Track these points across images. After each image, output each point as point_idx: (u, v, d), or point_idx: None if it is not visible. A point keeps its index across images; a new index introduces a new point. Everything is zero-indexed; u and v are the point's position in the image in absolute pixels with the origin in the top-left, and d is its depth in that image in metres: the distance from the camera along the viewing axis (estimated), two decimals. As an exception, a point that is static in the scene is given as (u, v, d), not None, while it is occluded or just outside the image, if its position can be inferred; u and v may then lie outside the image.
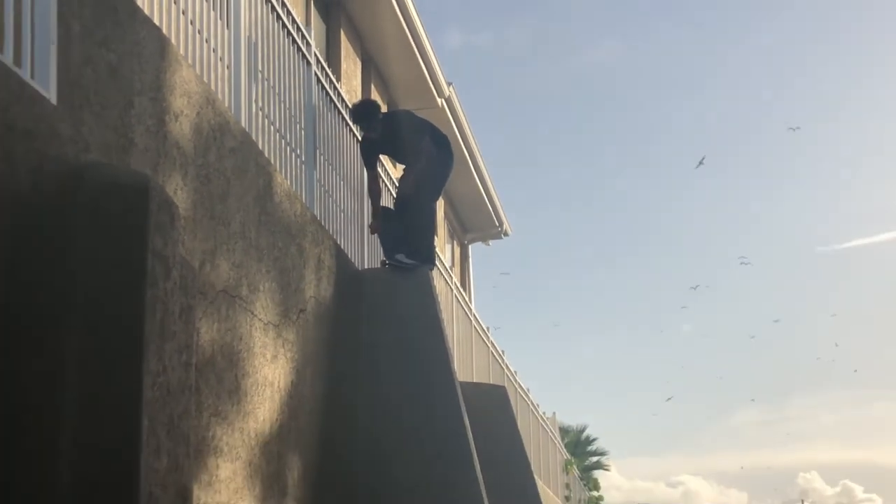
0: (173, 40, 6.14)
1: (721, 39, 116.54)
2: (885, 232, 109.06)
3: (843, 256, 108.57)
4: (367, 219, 10.50)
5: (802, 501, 72.41)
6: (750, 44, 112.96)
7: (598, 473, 41.89)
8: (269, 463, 7.09)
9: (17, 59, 4.49)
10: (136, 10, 5.59)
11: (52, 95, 4.66)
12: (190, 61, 6.39)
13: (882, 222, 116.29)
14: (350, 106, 10.34)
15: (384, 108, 13.15)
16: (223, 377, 6.44)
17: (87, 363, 4.51)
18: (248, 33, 7.57)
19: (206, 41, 6.86)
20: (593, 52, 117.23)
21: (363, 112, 10.32)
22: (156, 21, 5.92)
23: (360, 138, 10.44)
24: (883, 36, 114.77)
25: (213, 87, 6.70)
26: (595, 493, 34.51)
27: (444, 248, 20.68)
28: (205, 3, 6.87)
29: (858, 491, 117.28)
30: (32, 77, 4.56)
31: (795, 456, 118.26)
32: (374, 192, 10.30)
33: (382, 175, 10.68)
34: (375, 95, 17.05)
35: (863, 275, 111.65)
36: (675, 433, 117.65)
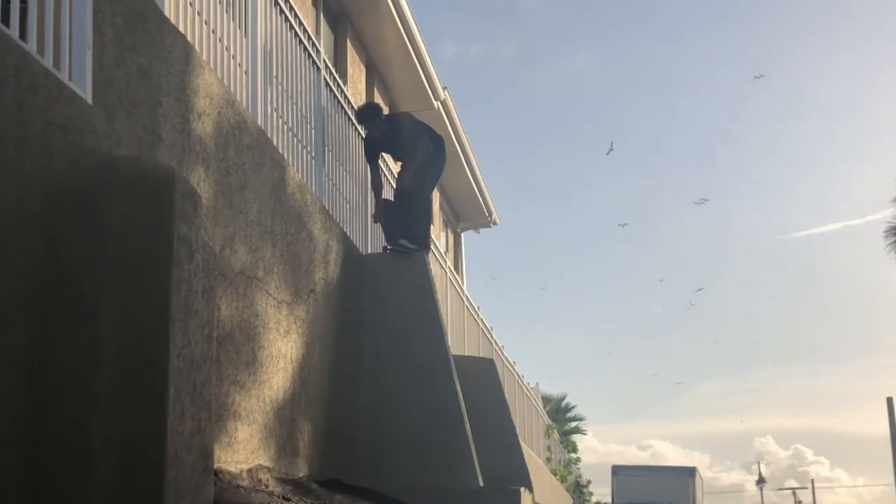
0: (196, 47, 6.20)
1: (687, 50, 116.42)
2: (830, 222, 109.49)
3: (799, 244, 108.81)
4: (370, 209, 10.56)
5: (758, 463, 72.41)
6: (712, 53, 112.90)
7: (576, 437, 42.01)
8: (282, 426, 7.17)
9: (57, 63, 4.57)
10: (164, 19, 5.66)
11: (87, 95, 4.74)
12: (211, 66, 6.47)
13: (829, 214, 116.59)
14: (356, 108, 10.39)
15: (386, 110, 13.16)
16: (241, 350, 6.52)
17: (120, 336, 4.58)
18: (263, 42, 7.62)
19: (226, 48, 6.93)
20: (571, 62, 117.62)
21: (368, 113, 10.43)
22: (181, 29, 5.99)
23: (363, 137, 10.50)
24: (838, 37, 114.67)
25: (232, 89, 6.77)
26: (573, 455, 34.62)
27: (439, 236, 20.69)
28: (225, 14, 6.93)
29: (808, 454, 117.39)
30: (70, 79, 4.63)
31: (752, 423, 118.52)
32: (377, 184, 10.39)
33: (384, 170, 10.73)
34: (378, 98, 17.09)
35: (815, 260, 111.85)
36: (645, 402, 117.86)
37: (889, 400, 43.28)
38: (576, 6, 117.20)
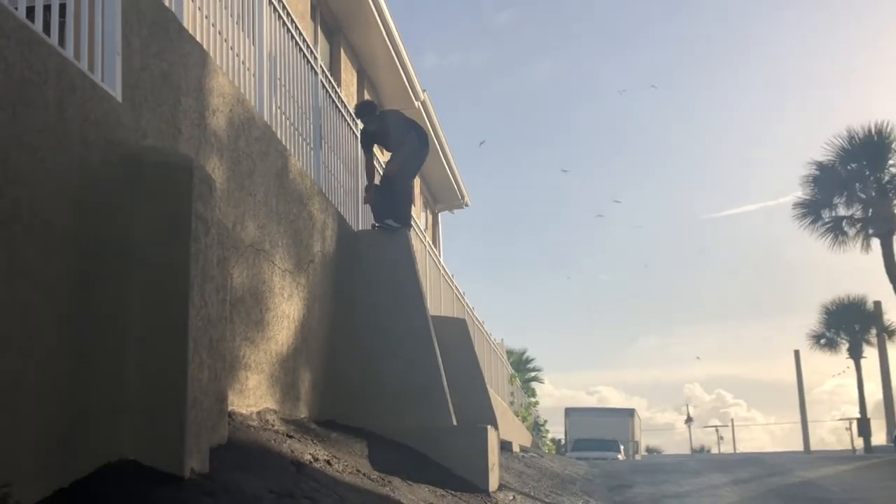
0: (211, 53, 6.16)
1: (629, 58, 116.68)
2: (749, 204, 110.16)
3: (723, 222, 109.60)
4: (361, 192, 10.54)
5: (687, 405, 73.21)
6: (645, 62, 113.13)
7: (535, 385, 42.14)
8: (286, 375, 7.17)
9: (91, 66, 4.53)
10: (183, 30, 5.61)
11: (117, 94, 4.70)
12: (224, 70, 6.42)
13: (750, 196, 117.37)
14: (355, 104, 10.40)
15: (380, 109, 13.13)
16: (251, 311, 6.50)
17: (147, 299, 4.58)
18: (269, 49, 7.57)
19: (237, 55, 6.88)
20: (532, 69, 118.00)
21: (364, 109, 10.49)
22: (198, 39, 5.94)
23: (357, 131, 10.49)
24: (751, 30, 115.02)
25: (241, 89, 6.73)
26: (532, 399, 34.77)
27: (419, 216, 20.69)
28: (236, 26, 6.88)
29: (729, 397, 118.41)
30: (102, 80, 4.60)
31: (682, 372, 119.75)
32: (370, 171, 10.37)
33: (377, 158, 10.71)
34: (366, 97, 17.02)
35: (737, 235, 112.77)
36: (593, 355, 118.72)
37: (797, 353, 43.72)
38: (538, 22, 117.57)
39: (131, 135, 4.82)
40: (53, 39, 4.21)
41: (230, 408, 5.78)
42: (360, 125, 10.44)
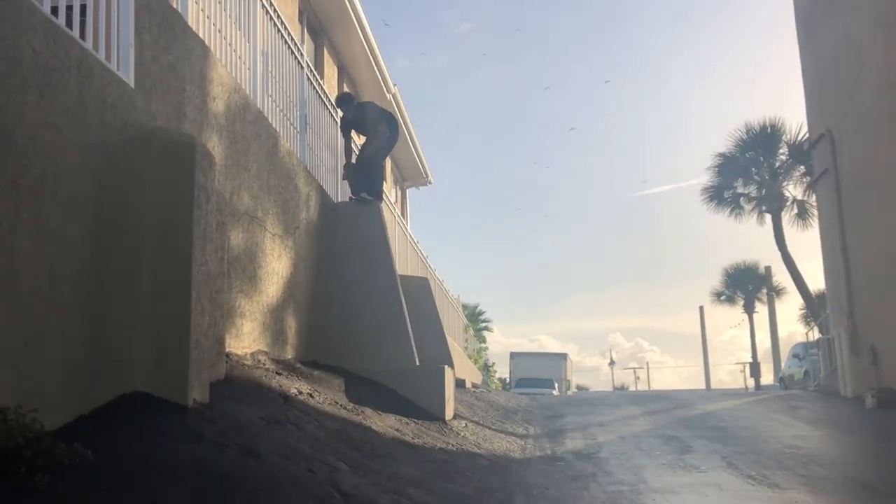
0: (212, 48, 6.05)
1: (574, 64, 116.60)
2: (665, 184, 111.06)
3: (643, 200, 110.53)
4: (340, 170, 10.46)
5: (610, 351, 74.24)
6: (585, 61, 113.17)
7: (485, 333, 42.31)
8: (275, 323, 7.13)
9: (108, 57, 4.45)
10: (188, 28, 5.50)
11: (131, 81, 4.62)
12: (223, 62, 6.30)
13: (665, 178, 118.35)
14: (336, 95, 10.29)
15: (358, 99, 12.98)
16: (246, 268, 6.45)
17: (156, 256, 4.53)
18: (262, 47, 7.45)
19: (234, 50, 6.76)
20: (492, 71, 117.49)
21: (344, 100, 10.40)
22: (201, 35, 5.82)
23: (337, 119, 10.39)
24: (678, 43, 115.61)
25: (238, 80, 6.61)
26: (483, 345, 34.91)
27: (391, 191, 20.57)
28: (233, 25, 6.76)
29: (645, 345, 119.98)
30: (118, 69, 4.52)
31: (607, 323, 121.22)
32: (348, 152, 10.29)
33: (354, 142, 10.62)
34: (345, 90, 16.85)
35: (654, 211, 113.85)
36: (535, 309, 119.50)
37: (701, 308, 44.23)
38: (495, 31, 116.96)
39: (143, 117, 4.73)
40: (75, 33, 4.12)
41: (227, 349, 5.75)
42: (340, 113, 10.35)
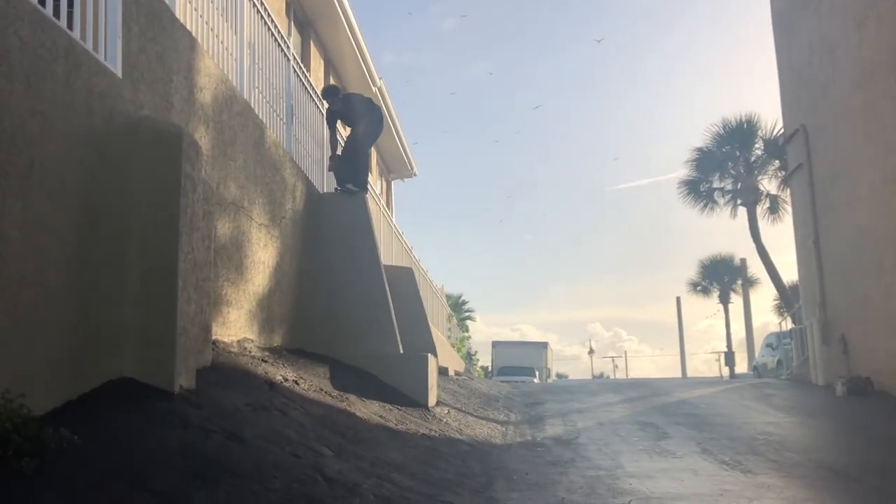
0: (199, 40, 6.00)
1: (553, 59, 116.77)
2: (644, 178, 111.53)
3: (621, 193, 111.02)
4: (326, 161, 10.42)
5: (589, 340, 74.60)
6: (558, 61, 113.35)
7: (468, 322, 42.33)
8: (261, 311, 7.11)
9: (95, 47, 4.40)
10: (175, 19, 5.45)
11: (118, 71, 4.58)
12: (210, 54, 6.25)
13: (643, 172, 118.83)
14: (317, 90, 10.22)
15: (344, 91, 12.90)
16: (232, 257, 6.42)
17: (144, 244, 4.49)
18: (249, 39, 7.40)
19: (221, 42, 6.71)
20: (472, 68, 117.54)
21: (330, 92, 10.38)
22: (188, 27, 5.77)
23: (322, 110, 10.34)
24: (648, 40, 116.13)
25: (225, 71, 6.56)
26: (466, 334, 34.91)
27: (376, 182, 20.51)
28: (221, 17, 6.71)
29: (623, 334, 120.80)
30: (105, 59, 4.47)
31: (587, 313, 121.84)
32: (333, 143, 10.25)
33: (340, 133, 10.58)
34: (332, 83, 16.75)
35: (632, 205, 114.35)
36: (517, 299, 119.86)
37: (678, 298, 44.54)
38: (477, 29, 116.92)
39: (130, 106, 4.69)
40: (62, 23, 4.07)
41: (214, 337, 5.72)
42: (326, 105, 10.30)
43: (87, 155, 4.18)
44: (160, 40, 5.16)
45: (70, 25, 4.18)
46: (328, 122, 10.32)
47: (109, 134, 4.40)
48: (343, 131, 10.86)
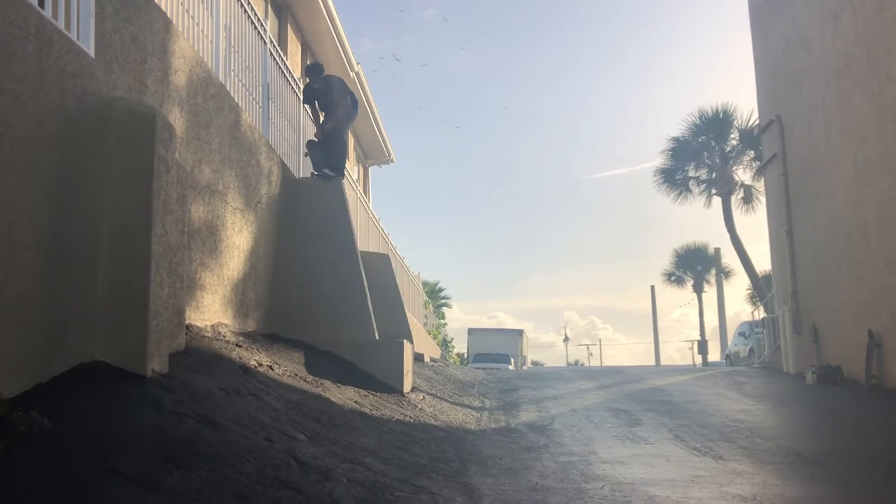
0: (174, 21, 5.92)
1: (531, 50, 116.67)
2: (619, 168, 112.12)
3: (595, 183, 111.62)
4: (302, 145, 10.35)
5: (565, 328, 74.97)
6: (536, 53, 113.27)
7: (445, 310, 42.36)
8: (236, 296, 7.06)
9: (67, 26, 4.33)
10: (150, 0, 5.36)
11: (91, 51, 4.51)
12: (185, 36, 6.18)
13: (619, 162, 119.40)
14: (294, 74, 10.14)
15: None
16: (206, 241, 6.36)
17: (116, 227, 4.44)
18: (225, 21, 7.31)
19: (197, 24, 6.63)
20: (454, 56, 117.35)
21: (314, 69, 10.31)
22: (163, 7, 5.70)
23: (299, 94, 10.27)
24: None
25: (200, 53, 6.49)
26: (442, 321, 34.93)
27: (353, 168, 20.42)
28: (195, -2, 6.61)
29: (598, 322, 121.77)
30: (78, 38, 4.41)
31: (562, 301, 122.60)
32: (316, 117, 10.25)
33: (309, 114, 10.53)
34: (317, 61, 16.64)
35: (606, 194, 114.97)
36: (494, 287, 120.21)
37: (652, 287, 44.81)
38: (458, 18, 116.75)
39: (103, 86, 4.62)
40: (33, 1, 4.00)
41: (188, 321, 5.68)
42: (305, 83, 10.23)
43: (58, 135, 4.12)
44: (134, 20, 5.08)
45: (41, 3, 4.11)
46: (305, 100, 10.26)
47: (82, 114, 4.34)
48: (320, 115, 10.79)
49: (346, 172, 10.84)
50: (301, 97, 10.30)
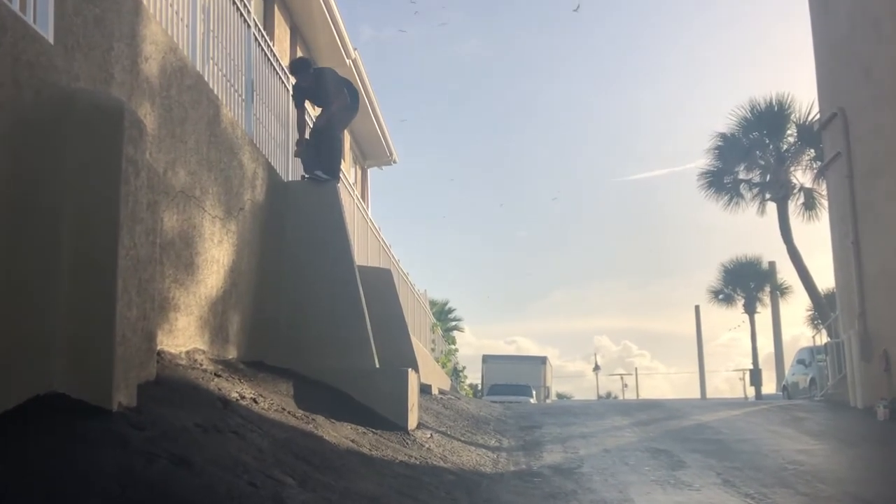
0: (145, 2, 5.96)
1: (547, 39, 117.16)
2: (659, 169, 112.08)
3: (631, 185, 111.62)
4: (291, 145, 10.40)
5: (595, 354, 74.81)
6: (565, 44, 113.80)
7: (456, 334, 42.29)
8: (215, 317, 7.08)
9: (23, 8, 4.37)
10: (116, -23, 5.41)
11: (49, 37, 4.54)
12: (157, 19, 6.22)
13: (659, 162, 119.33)
14: (282, 62, 10.20)
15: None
16: (181, 255, 6.39)
17: (77, 237, 4.47)
18: (203, 2, 7.37)
19: (170, 5, 6.68)
20: (462, 46, 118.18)
21: (299, 66, 10.34)
22: (131, -13, 5.73)
23: (289, 85, 10.32)
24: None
25: (175, 39, 6.53)
26: (453, 347, 34.89)
27: (349, 170, 20.52)
28: (169, -24, 6.66)
29: (634, 348, 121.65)
30: (35, 22, 4.44)
31: (592, 323, 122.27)
32: (301, 125, 10.25)
33: (308, 113, 10.57)
34: (299, 54, 16.73)
35: (644, 198, 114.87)
36: (511, 307, 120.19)
37: (697, 307, 44.83)
38: (466, 4, 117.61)
39: (63, 77, 4.65)
40: (-16, -21, 4.04)
41: (159, 347, 5.69)
42: (293, 80, 10.28)
43: (12, 131, 4.15)
44: (99, 2, 5.12)
45: (-7, -17, 4.15)
46: (295, 101, 10.31)
47: (39, 108, 4.37)
48: (312, 112, 10.84)
49: (341, 175, 10.89)
50: (290, 89, 10.35)
